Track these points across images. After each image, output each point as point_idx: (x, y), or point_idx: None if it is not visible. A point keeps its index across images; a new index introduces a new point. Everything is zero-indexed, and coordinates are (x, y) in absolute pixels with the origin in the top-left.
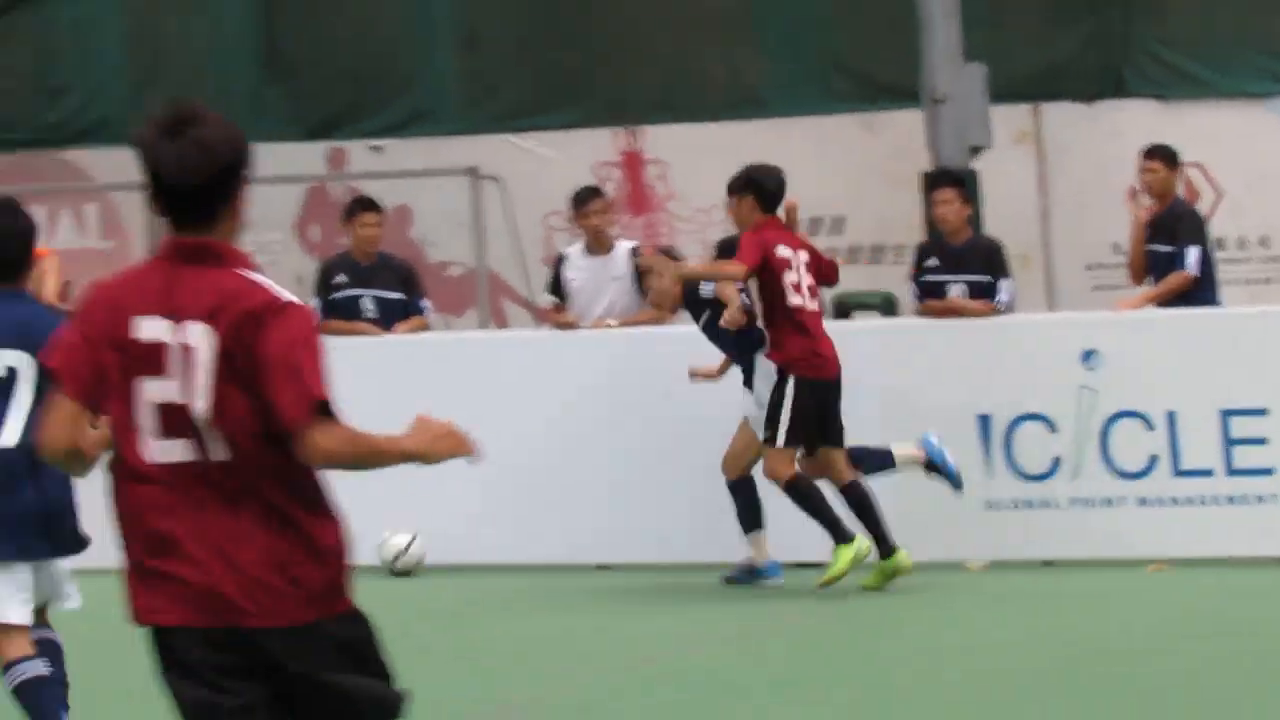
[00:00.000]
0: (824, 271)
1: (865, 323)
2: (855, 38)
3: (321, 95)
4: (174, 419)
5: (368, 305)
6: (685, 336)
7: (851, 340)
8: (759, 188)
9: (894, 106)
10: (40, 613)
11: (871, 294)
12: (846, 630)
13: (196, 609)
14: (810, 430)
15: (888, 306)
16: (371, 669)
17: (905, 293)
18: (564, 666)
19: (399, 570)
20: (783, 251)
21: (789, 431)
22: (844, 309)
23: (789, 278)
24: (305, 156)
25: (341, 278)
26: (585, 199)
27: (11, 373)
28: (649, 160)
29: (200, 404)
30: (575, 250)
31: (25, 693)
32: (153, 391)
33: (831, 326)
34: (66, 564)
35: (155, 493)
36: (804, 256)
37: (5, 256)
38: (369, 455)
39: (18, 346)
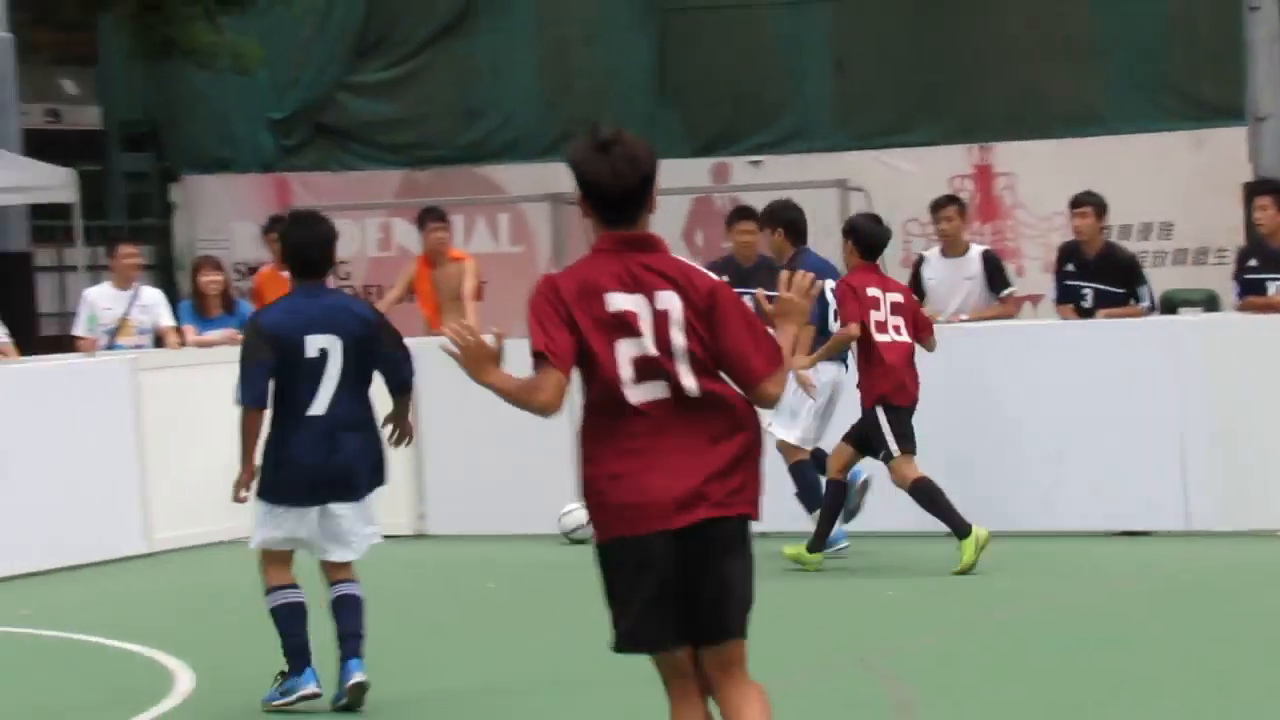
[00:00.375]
0: (919, 323)
1: (1190, 317)
2: (1186, 61)
3: (707, 116)
4: (649, 368)
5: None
6: (1030, 330)
7: (1177, 334)
8: (858, 236)
9: (1220, 124)
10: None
11: (1196, 291)
12: (1167, 594)
13: (668, 513)
14: (910, 430)
15: (1210, 303)
16: (747, 567)
17: (1227, 290)
18: (918, 623)
19: (576, 539)
20: (871, 291)
21: (897, 443)
22: (1170, 305)
23: (874, 317)
24: (692, 170)
25: (724, 278)
26: (941, 205)
27: (323, 353)
28: (999, 173)
29: (678, 354)
30: (933, 253)
31: (283, 614)
32: (630, 349)
33: (1159, 321)
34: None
35: (635, 426)
36: (894, 297)
37: (309, 258)
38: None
39: (329, 331)
